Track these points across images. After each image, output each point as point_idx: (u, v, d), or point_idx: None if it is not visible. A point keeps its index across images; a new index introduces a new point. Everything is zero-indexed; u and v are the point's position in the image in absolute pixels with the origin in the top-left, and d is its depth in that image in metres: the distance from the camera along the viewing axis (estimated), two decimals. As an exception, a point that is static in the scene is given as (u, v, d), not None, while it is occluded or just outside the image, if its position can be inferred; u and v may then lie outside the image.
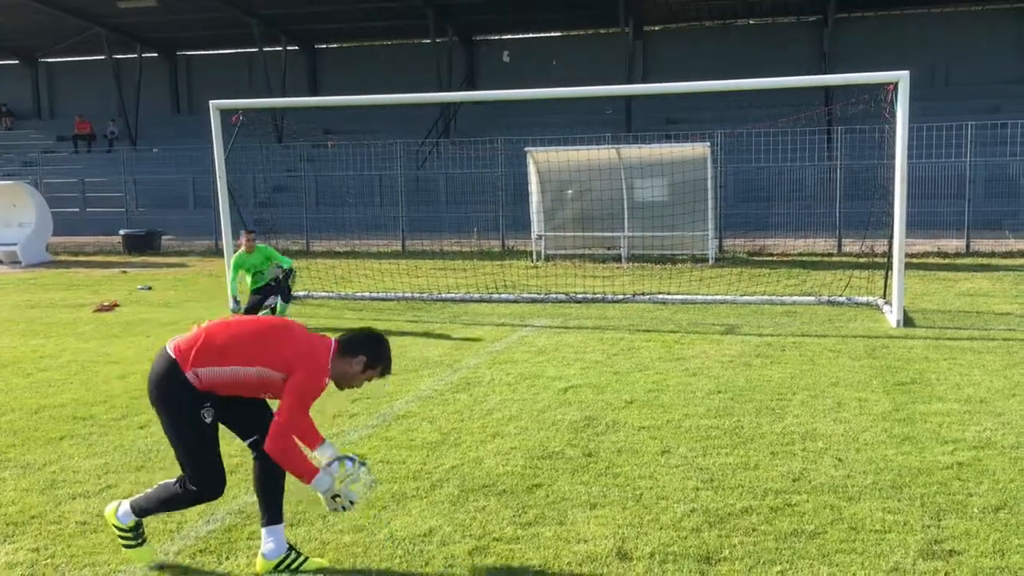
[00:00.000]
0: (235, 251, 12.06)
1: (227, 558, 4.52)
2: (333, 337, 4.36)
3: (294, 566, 4.33)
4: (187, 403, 4.17)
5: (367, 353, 4.31)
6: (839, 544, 4.50)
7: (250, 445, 4.41)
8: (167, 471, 5.78)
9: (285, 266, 11.83)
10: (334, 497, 4.23)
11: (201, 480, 4.28)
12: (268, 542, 4.36)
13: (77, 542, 4.74)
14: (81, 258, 22.94)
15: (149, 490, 4.45)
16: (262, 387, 4.22)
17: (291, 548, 4.39)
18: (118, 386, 8.26)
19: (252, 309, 11.45)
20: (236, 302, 11.67)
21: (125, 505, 4.41)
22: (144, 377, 8.35)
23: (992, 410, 6.86)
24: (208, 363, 4.15)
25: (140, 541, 4.43)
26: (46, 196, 24.04)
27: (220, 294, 14.22)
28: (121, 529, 4.39)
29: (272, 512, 4.40)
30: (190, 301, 14.44)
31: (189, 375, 4.14)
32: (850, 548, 4.45)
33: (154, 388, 4.26)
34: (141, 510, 4.39)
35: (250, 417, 4.37)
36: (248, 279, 11.78)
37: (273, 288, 11.78)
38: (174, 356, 4.20)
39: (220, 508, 5.15)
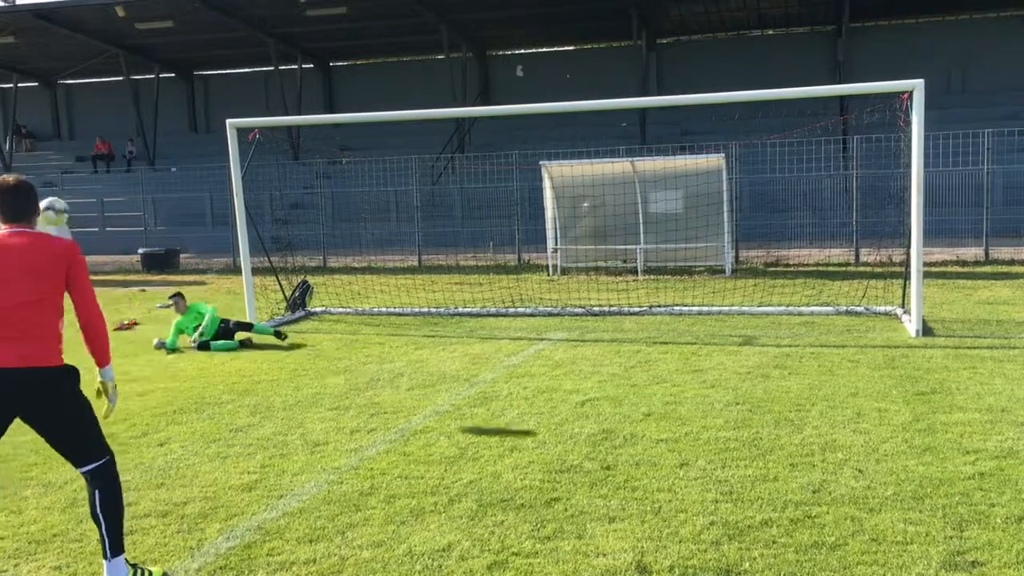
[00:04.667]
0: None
1: (247, 575, 4.54)
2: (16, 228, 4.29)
3: None
4: (67, 387, 4.23)
5: (37, 198, 4.39)
6: (860, 556, 4.47)
7: (86, 473, 4.28)
8: (187, 488, 5.82)
9: (205, 312, 11.74)
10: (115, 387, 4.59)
11: (106, 444, 4.33)
12: (115, 572, 4.26)
13: (98, 560, 4.76)
14: (100, 277, 23.12)
15: (101, 526, 4.28)
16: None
17: (134, 566, 4.39)
18: (137, 404, 8.32)
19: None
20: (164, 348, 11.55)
21: (109, 566, 4.26)
22: (166, 395, 8.41)
23: (1014, 419, 6.80)
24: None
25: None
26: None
27: (239, 311, 14.30)
28: None
29: (118, 541, 4.28)
30: (208, 318, 14.52)
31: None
32: (871, 560, 4.42)
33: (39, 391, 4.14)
34: (118, 543, 4.26)
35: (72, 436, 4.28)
36: (193, 333, 11.66)
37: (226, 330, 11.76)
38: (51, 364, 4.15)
39: (239, 525, 5.17)
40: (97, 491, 4.25)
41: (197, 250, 26.93)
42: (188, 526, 5.18)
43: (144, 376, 9.67)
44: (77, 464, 4.28)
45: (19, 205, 4.27)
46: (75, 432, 4.23)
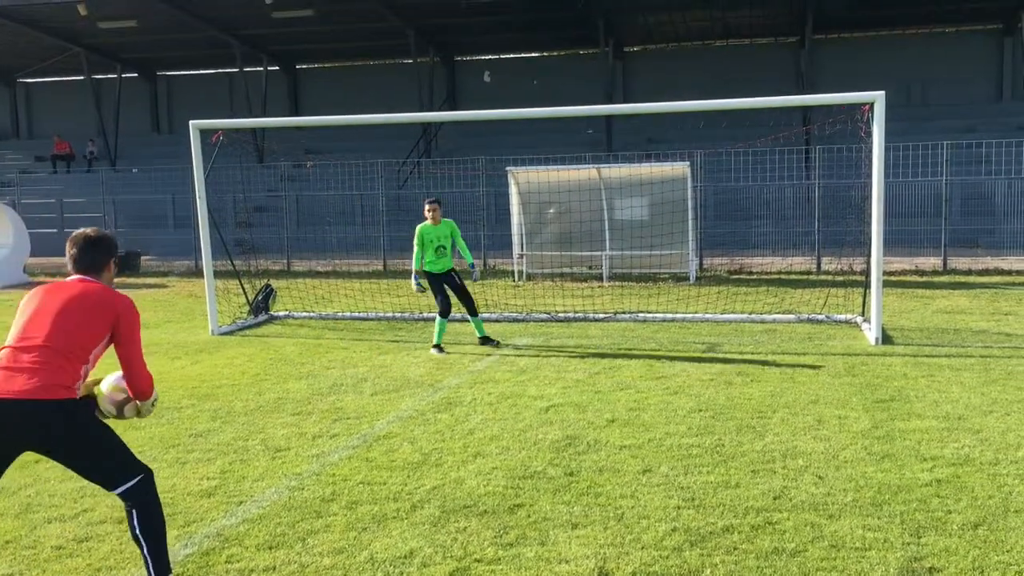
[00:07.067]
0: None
1: (205, 582, 4.47)
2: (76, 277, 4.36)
3: None
4: (77, 420, 4.10)
5: (113, 253, 4.45)
6: (820, 562, 4.51)
7: (120, 495, 4.17)
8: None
9: (468, 261, 11.17)
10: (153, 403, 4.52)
11: (137, 464, 4.20)
12: None
13: (52, 567, 4.68)
14: (59, 279, 22.74)
15: (143, 548, 4.16)
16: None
17: None
18: (95, 408, 8.18)
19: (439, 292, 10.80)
20: (419, 285, 10.99)
21: None
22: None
23: (970, 427, 6.91)
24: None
25: None
26: (24, 216, 23.85)
27: (200, 315, 14.15)
28: None
29: (161, 561, 4.18)
30: (170, 322, 14.34)
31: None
32: (831, 566, 4.46)
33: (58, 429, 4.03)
34: (162, 564, 4.18)
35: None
36: (429, 253, 10.88)
37: (453, 281, 10.93)
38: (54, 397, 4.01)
39: (198, 532, 5.10)
40: (133, 511, 4.13)
41: (159, 252, 26.57)
42: (145, 533, 5.09)
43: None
44: (108, 488, 4.18)
45: (88, 258, 4.36)
46: (95, 458, 4.12)
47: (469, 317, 11.30)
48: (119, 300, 4.28)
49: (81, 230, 4.46)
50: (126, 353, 4.28)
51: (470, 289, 11.37)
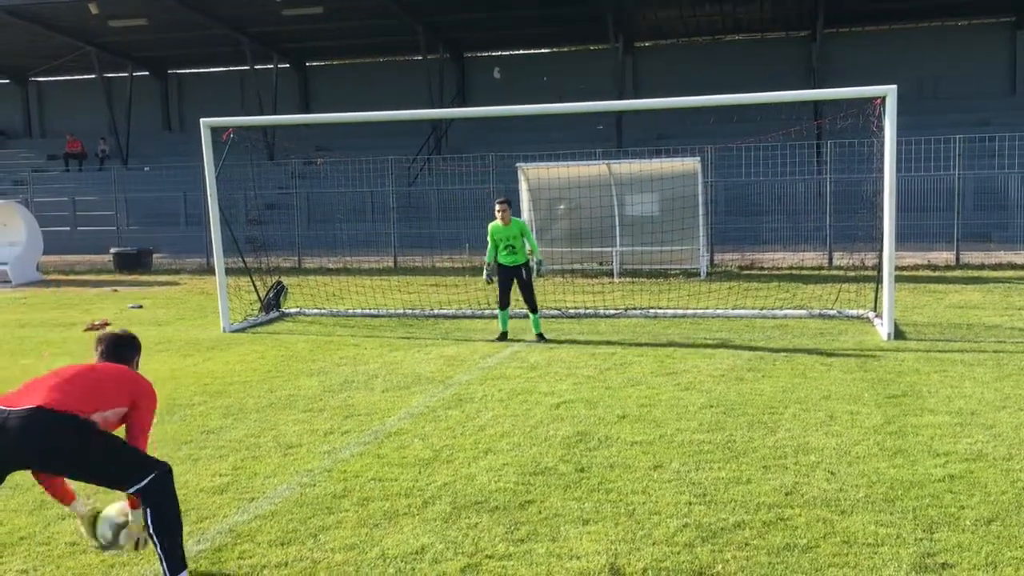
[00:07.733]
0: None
1: (218, 578, 4.50)
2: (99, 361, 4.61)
3: None
4: (85, 429, 4.15)
5: (138, 351, 4.78)
6: (832, 558, 4.50)
7: (133, 495, 4.23)
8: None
9: (536, 256, 11.71)
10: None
11: (150, 462, 4.23)
12: None
13: (66, 563, 4.71)
14: (72, 277, 22.85)
15: (157, 545, 4.21)
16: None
17: None
18: (108, 405, 8.22)
19: (503, 291, 11.42)
20: (489, 277, 11.58)
21: None
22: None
23: (983, 422, 6.87)
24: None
25: None
26: (36, 215, 23.96)
27: (211, 312, 14.20)
28: None
29: (175, 557, 4.21)
30: (181, 319, 14.40)
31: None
32: (843, 562, 4.45)
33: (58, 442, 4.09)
34: (176, 560, 4.21)
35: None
36: (501, 249, 11.40)
37: (521, 276, 11.38)
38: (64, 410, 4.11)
39: (210, 528, 5.13)
40: (147, 509, 4.19)
41: (170, 250, 26.66)
42: (158, 529, 5.12)
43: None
44: (122, 490, 4.23)
45: (115, 355, 4.64)
46: (105, 464, 4.17)
47: (528, 313, 11.60)
48: (143, 383, 4.51)
49: (108, 331, 4.82)
50: (134, 431, 4.40)
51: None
